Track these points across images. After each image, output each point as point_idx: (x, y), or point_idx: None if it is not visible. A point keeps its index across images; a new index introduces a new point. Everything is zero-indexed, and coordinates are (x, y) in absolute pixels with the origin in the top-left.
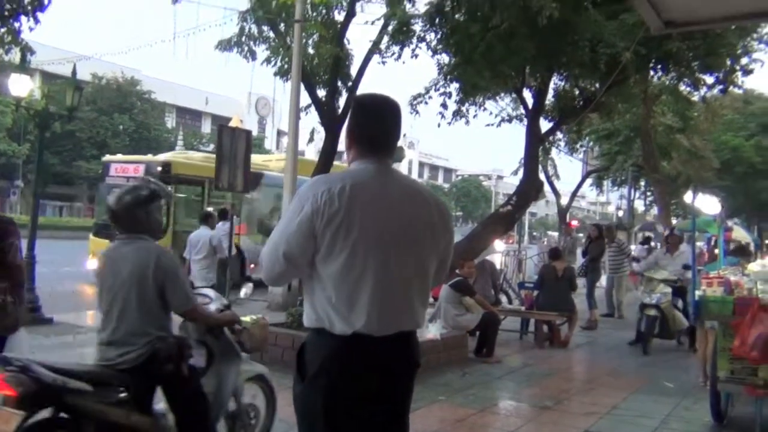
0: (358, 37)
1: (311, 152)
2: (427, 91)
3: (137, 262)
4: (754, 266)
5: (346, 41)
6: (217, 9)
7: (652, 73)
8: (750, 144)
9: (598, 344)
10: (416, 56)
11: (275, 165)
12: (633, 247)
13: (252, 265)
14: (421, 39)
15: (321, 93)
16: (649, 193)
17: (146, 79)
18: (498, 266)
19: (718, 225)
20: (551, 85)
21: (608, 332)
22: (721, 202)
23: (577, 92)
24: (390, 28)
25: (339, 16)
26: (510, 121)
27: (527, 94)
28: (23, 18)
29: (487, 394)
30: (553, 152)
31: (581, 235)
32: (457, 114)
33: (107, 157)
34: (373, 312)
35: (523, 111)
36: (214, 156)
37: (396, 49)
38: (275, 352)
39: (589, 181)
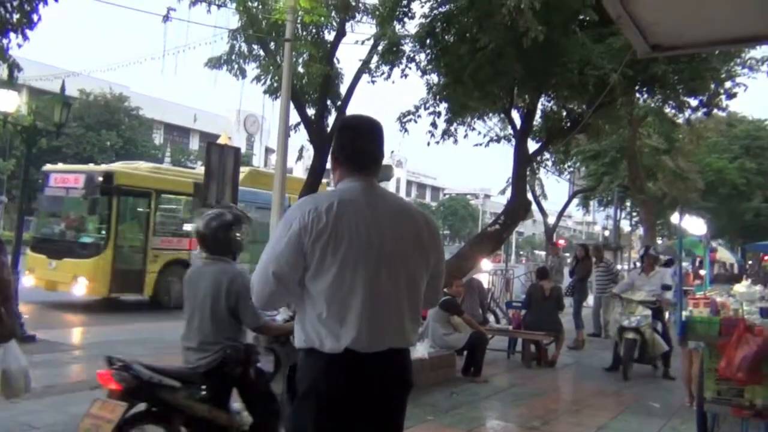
0: (348, 57)
1: (300, 170)
2: (417, 109)
3: (214, 283)
4: (739, 287)
5: (336, 60)
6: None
7: (638, 95)
8: (733, 166)
9: (585, 364)
10: (406, 76)
11: None
12: (619, 267)
13: None
14: (411, 59)
15: (310, 111)
16: (635, 214)
17: (134, 96)
18: (486, 285)
19: (704, 246)
20: (539, 106)
21: (595, 352)
22: (706, 223)
23: (564, 113)
24: (380, 48)
25: (329, 36)
26: (498, 141)
27: (515, 115)
28: (12, 35)
29: (475, 414)
30: (541, 172)
31: (568, 254)
32: (446, 133)
33: (47, 167)
34: (363, 328)
35: (511, 131)
36: (163, 166)
37: (386, 68)
38: None
39: (575, 201)
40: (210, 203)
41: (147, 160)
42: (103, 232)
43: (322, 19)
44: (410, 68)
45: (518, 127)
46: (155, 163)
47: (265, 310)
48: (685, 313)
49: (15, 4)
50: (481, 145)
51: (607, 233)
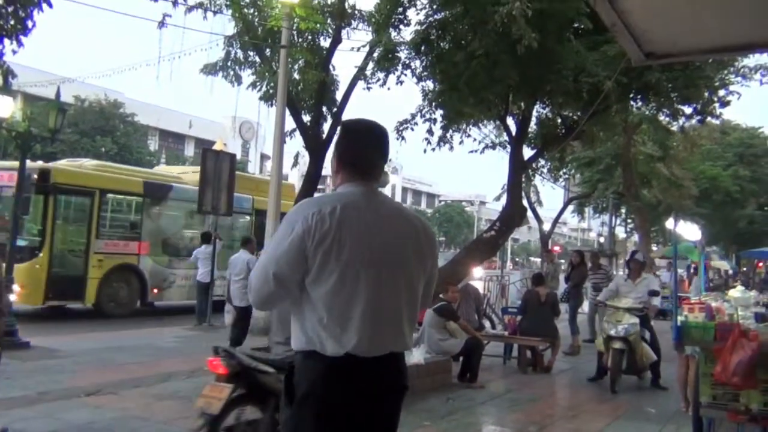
0: (344, 63)
1: (295, 176)
2: (413, 117)
3: None
4: (734, 292)
5: (331, 67)
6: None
7: (632, 102)
8: (727, 174)
9: (581, 370)
10: (401, 83)
11: (190, 177)
12: (614, 273)
13: (155, 290)
14: (407, 66)
15: (306, 118)
16: (629, 221)
17: (129, 102)
18: (481, 291)
19: (699, 252)
20: (534, 113)
21: (591, 358)
22: (701, 229)
23: (559, 120)
24: (376, 54)
25: (325, 42)
26: (494, 147)
27: (511, 122)
28: (6, 41)
29: (471, 420)
30: (536, 179)
31: (563, 261)
32: (442, 140)
33: None
34: (364, 332)
35: (506, 138)
36: (110, 164)
37: (381, 75)
38: None
39: (570, 207)
40: (206, 210)
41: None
42: (39, 234)
43: (318, 25)
44: (406, 75)
45: (513, 133)
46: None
47: (262, 309)
48: (680, 319)
49: (10, 10)
50: (476, 151)
51: (602, 240)
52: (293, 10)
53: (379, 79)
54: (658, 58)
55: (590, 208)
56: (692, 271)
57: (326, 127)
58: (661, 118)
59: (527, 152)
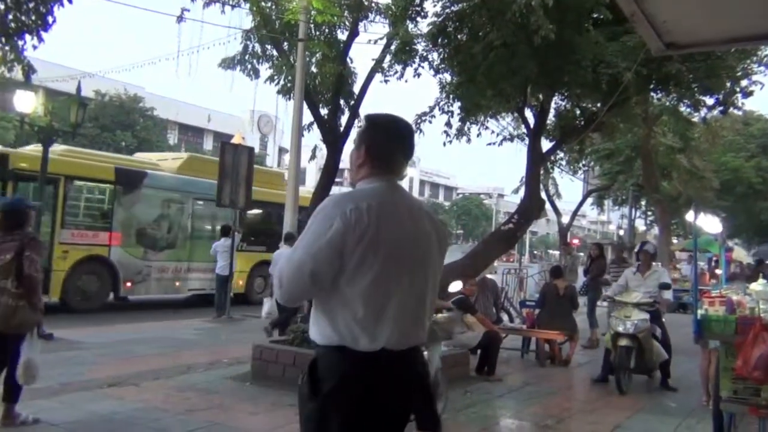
0: (361, 57)
1: (313, 169)
2: (431, 109)
3: None
4: (756, 286)
5: (348, 60)
6: (220, 28)
7: (652, 94)
8: (750, 165)
9: (599, 363)
10: (419, 75)
11: (169, 165)
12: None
13: (128, 283)
14: (424, 58)
15: (324, 111)
16: (649, 213)
17: (149, 96)
18: (499, 284)
19: (719, 245)
20: (552, 105)
21: None
22: (722, 222)
23: (578, 112)
24: (393, 47)
25: (342, 35)
26: (512, 140)
27: (529, 114)
28: (27, 36)
29: (489, 413)
30: (555, 171)
31: (582, 254)
32: (460, 133)
33: None
34: (396, 327)
35: (524, 130)
36: (79, 149)
37: (398, 68)
38: (276, 369)
39: (590, 200)
40: (224, 203)
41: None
42: None
43: (335, 18)
44: (423, 67)
45: (531, 125)
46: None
47: (289, 305)
48: (700, 312)
49: (30, 5)
50: (494, 144)
51: (621, 232)
52: (310, 3)
53: (396, 72)
54: (678, 49)
55: (610, 200)
56: (713, 264)
57: (344, 120)
58: (682, 109)
59: (545, 144)
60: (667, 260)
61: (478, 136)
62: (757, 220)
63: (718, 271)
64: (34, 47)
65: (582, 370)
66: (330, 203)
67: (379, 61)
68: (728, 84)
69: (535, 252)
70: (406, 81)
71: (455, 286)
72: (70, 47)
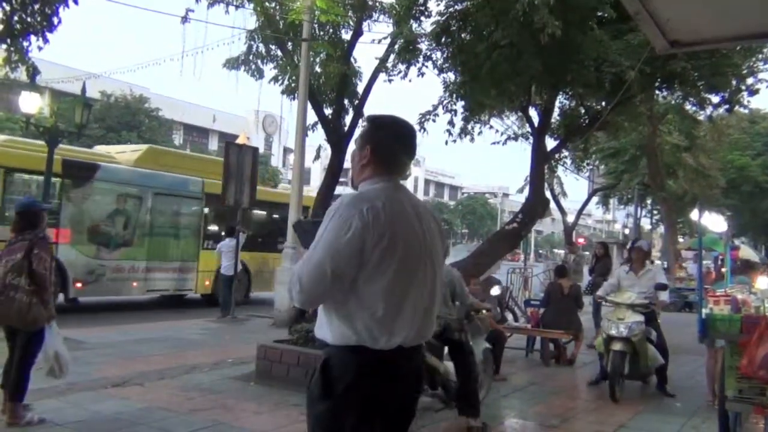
0: (365, 56)
1: (317, 169)
2: (435, 108)
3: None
4: (761, 284)
5: (352, 60)
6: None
7: (657, 92)
8: (756, 163)
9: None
10: (422, 75)
11: (127, 157)
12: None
13: (78, 284)
14: (428, 57)
15: (328, 111)
16: (655, 212)
17: (154, 97)
18: (504, 284)
19: (724, 243)
20: (557, 104)
21: None
22: (727, 221)
23: (582, 111)
24: (397, 46)
25: (346, 35)
26: (516, 139)
27: (533, 113)
28: (32, 38)
29: (493, 412)
30: (560, 170)
31: (587, 253)
32: (464, 132)
33: None
34: (412, 325)
35: (529, 129)
36: (22, 140)
37: (402, 67)
38: (280, 369)
39: (595, 199)
40: (229, 203)
41: None
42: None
43: (339, 18)
44: (427, 66)
45: (536, 124)
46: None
47: (308, 307)
48: (705, 311)
49: (36, 7)
50: (498, 143)
51: (627, 232)
52: (314, 3)
53: (400, 72)
54: (683, 47)
55: (615, 199)
56: (719, 262)
57: (348, 119)
58: (688, 107)
59: (550, 143)
60: (673, 259)
61: (479, 134)
62: (763, 218)
63: (724, 270)
64: (40, 48)
65: (586, 369)
66: (344, 204)
67: (383, 61)
68: (734, 82)
69: (541, 251)
70: (410, 80)
71: (495, 291)
72: (76, 48)
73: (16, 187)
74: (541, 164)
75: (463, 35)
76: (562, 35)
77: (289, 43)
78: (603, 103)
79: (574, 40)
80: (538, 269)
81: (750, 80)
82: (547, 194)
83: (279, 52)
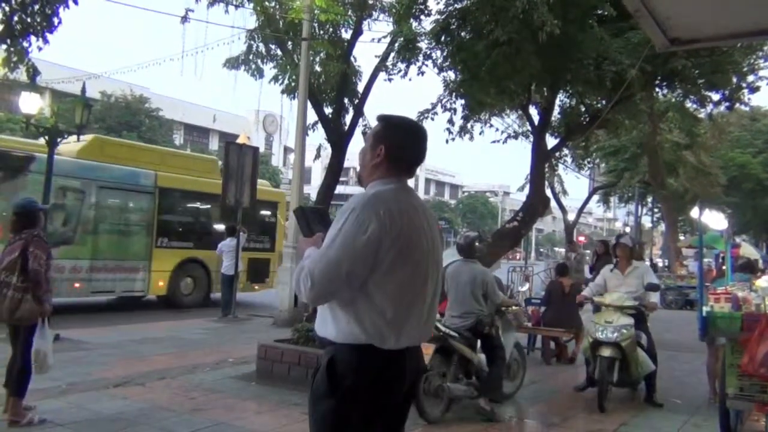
0: (365, 55)
1: (318, 169)
2: (434, 107)
3: (471, 275)
4: (762, 282)
5: (352, 59)
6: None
7: (658, 90)
8: (757, 161)
9: None
10: (422, 73)
11: (69, 148)
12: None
13: None
14: (427, 56)
15: (328, 110)
16: (656, 210)
17: (155, 97)
18: (504, 282)
19: (725, 241)
20: (557, 102)
21: None
22: (727, 218)
23: (583, 109)
24: (396, 45)
25: (346, 34)
26: (516, 137)
27: (533, 111)
28: (33, 38)
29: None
30: (560, 168)
31: (588, 251)
32: (463, 130)
33: None
34: (419, 326)
35: (529, 127)
36: None
37: (402, 66)
38: (281, 368)
39: (595, 197)
40: (229, 203)
41: None
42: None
43: (339, 17)
44: (427, 65)
45: (536, 123)
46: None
47: (317, 304)
48: (706, 309)
49: (36, 7)
50: (498, 141)
51: (627, 230)
52: (314, 2)
53: (400, 70)
54: (683, 44)
55: (616, 197)
56: (720, 260)
57: (348, 119)
58: (688, 105)
59: (550, 142)
60: (674, 257)
61: (480, 133)
62: (764, 216)
63: (725, 268)
64: (40, 49)
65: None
66: (359, 205)
67: (383, 60)
68: (734, 79)
69: (541, 249)
70: (410, 79)
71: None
72: (76, 48)
73: None
74: (542, 162)
75: (462, 34)
76: (561, 33)
77: (289, 43)
78: (603, 101)
79: (574, 38)
80: (538, 268)
81: (750, 78)
82: (548, 193)
83: (279, 52)
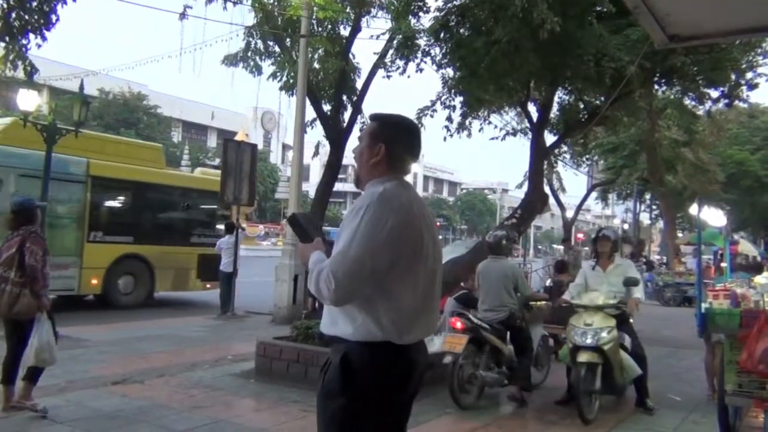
0: (363, 52)
1: (316, 166)
2: (433, 103)
3: (501, 271)
4: (760, 279)
5: (351, 56)
6: (223, 25)
7: (656, 87)
8: (755, 158)
9: None
10: (421, 70)
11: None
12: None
13: None
14: (426, 53)
15: (326, 107)
16: (654, 207)
17: (153, 94)
18: None
19: (723, 238)
20: (556, 99)
21: None
22: (726, 215)
23: (581, 106)
24: (395, 42)
25: (344, 31)
26: (515, 134)
27: (532, 108)
28: (31, 35)
29: (494, 408)
30: (559, 165)
31: (585, 248)
32: (462, 127)
33: None
34: (430, 320)
35: (527, 124)
36: None
37: (401, 63)
38: (280, 365)
39: (594, 194)
40: (228, 200)
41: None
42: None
43: (337, 14)
44: (425, 62)
45: (535, 120)
46: (173, 162)
47: (340, 305)
48: (704, 305)
49: (34, 4)
50: (497, 138)
51: (626, 227)
52: None
53: (398, 67)
54: (682, 41)
55: (614, 194)
56: (719, 257)
57: (347, 116)
58: (687, 102)
59: (549, 138)
60: (672, 254)
61: (480, 131)
62: (762, 213)
63: (724, 265)
64: (38, 46)
65: None
66: (373, 202)
67: (381, 57)
68: (733, 76)
69: (540, 246)
70: (408, 76)
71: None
72: (74, 45)
73: None
74: (540, 160)
75: (461, 30)
76: (560, 30)
77: (288, 40)
78: (602, 98)
79: (573, 35)
80: (537, 265)
81: (749, 75)
82: (546, 190)
83: (277, 49)
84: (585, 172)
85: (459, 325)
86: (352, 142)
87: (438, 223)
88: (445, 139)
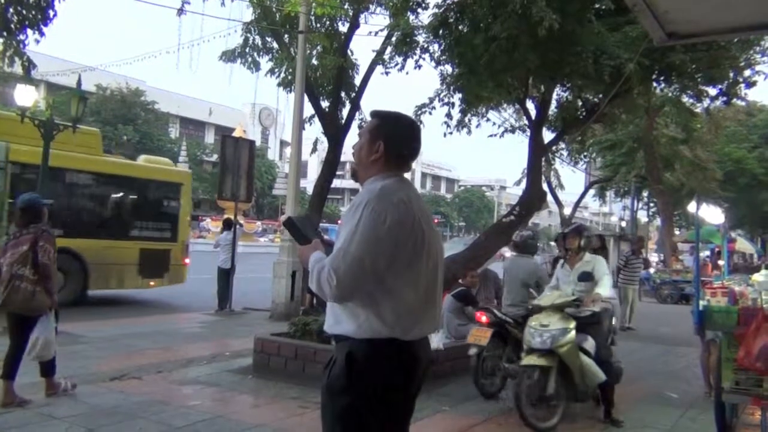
0: (362, 48)
1: (314, 162)
2: (431, 101)
3: (526, 269)
4: (758, 276)
5: (349, 52)
6: (221, 20)
7: (655, 84)
8: (753, 156)
9: None
10: (420, 67)
11: None
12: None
13: None
14: (425, 50)
15: (324, 104)
16: (652, 204)
17: (150, 90)
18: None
19: (721, 235)
20: (554, 96)
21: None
22: (724, 212)
23: (580, 103)
24: (394, 39)
25: (343, 27)
26: (513, 131)
27: (530, 105)
28: (29, 31)
29: (491, 405)
30: (557, 162)
31: None
32: (461, 124)
33: None
34: (433, 315)
35: (526, 121)
36: None
37: (399, 59)
38: (278, 361)
39: (591, 191)
40: (226, 196)
41: (163, 155)
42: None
43: (336, 10)
44: (424, 59)
45: (533, 117)
46: (171, 158)
47: (339, 302)
48: (702, 303)
49: (31, 0)
50: (495, 135)
51: (624, 224)
52: None
53: (397, 64)
54: (680, 38)
55: (612, 191)
56: (716, 254)
57: (345, 112)
58: (685, 99)
59: (547, 136)
60: (670, 251)
61: (477, 127)
62: (760, 211)
63: (721, 262)
64: (37, 41)
65: None
66: (372, 199)
67: (380, 53)
68: (731, 74)
69: (538, 244)
70: (407, 73)
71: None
72: (71, 41)
73: None
74: (539, 157)
75: (460, 27)
76: (559, 27)
77: (286, 36)
78: (600, 96)
79: (572, 32)
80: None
81: (747, 72)
82: (544, 187)
83: (275, 45)
84: (583, 169)
85: (484, 319)
86: (351, 138)
87: (436, 220)
88: (444, 135)
